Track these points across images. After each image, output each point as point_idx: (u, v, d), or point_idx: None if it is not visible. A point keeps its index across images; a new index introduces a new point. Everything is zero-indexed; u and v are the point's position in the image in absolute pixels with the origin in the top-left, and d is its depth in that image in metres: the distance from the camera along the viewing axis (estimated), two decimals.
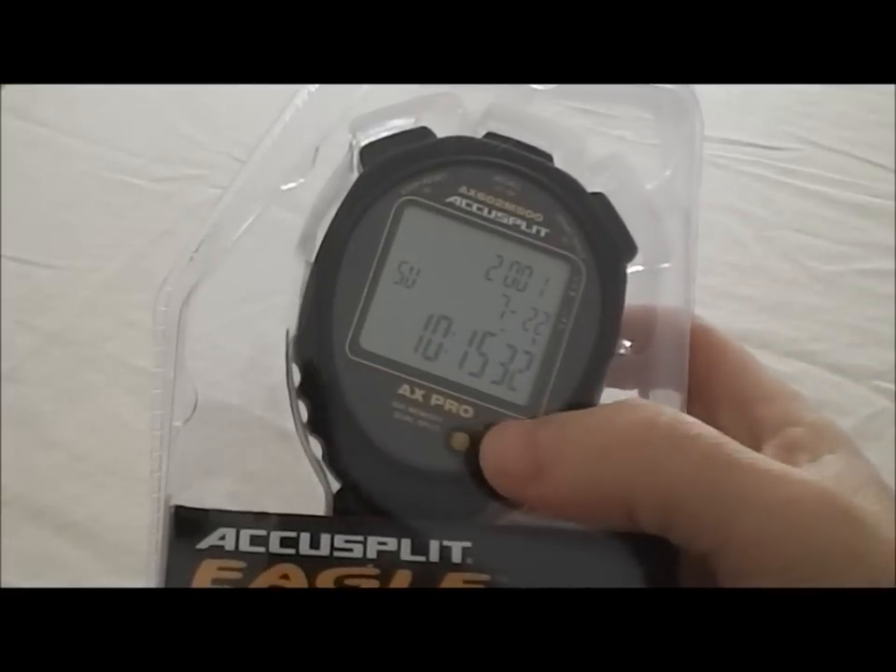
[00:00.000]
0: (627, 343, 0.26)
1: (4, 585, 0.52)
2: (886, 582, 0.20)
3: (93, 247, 0.73)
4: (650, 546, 0.23)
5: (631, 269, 0.26)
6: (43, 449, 0.60)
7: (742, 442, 0.24)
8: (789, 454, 0.24)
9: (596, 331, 0.25)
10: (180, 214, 0.74)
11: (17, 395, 0.63)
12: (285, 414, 0.25)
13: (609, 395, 0.26)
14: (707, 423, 0.25)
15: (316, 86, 0.25)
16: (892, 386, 0.67)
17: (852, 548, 0.21)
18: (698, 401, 0.26)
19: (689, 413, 0.25)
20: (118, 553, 0.55)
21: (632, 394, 0.27)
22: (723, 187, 0.80)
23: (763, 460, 0.22)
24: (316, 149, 0.26)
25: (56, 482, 0.59)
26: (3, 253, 0.71)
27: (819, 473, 0.22)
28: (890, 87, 0.89)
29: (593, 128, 0.27)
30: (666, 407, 0.23)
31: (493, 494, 0.24)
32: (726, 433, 0.24)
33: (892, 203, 0.81)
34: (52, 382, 0.64)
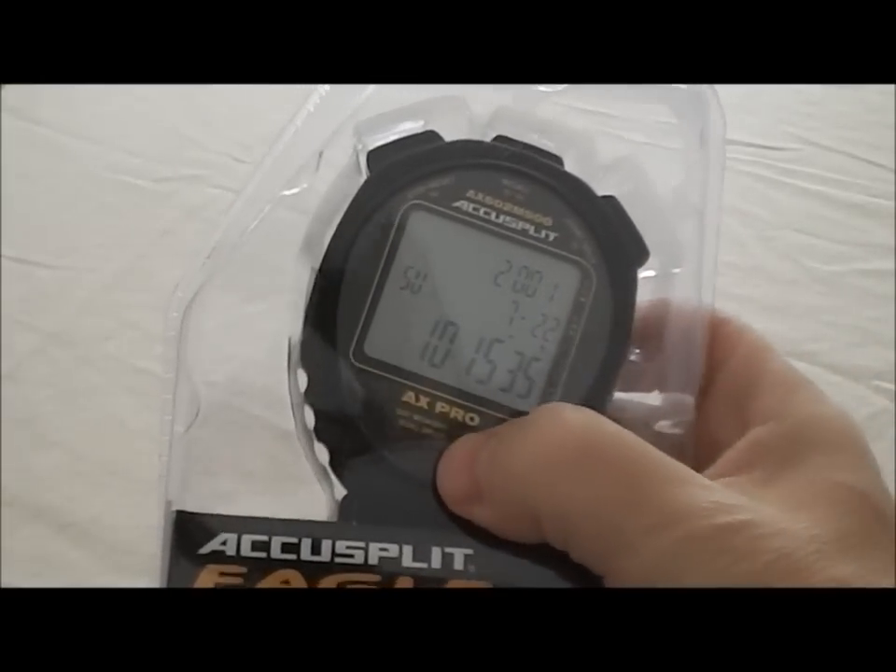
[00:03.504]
0: (637, 350, 0.26)
1: (4, 585, 0.52)
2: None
3: (93, 247, 0.73)
4: None
5: (643, 274, 0.25)
6: (43, 449, 0.60)
7: (727, 436, 0.24)
8: (747, 461, 0.23)
9: (607, 338, 0.25)
10: (180, 214, 0.74)
11: (17, 395, 0.63)
12: (284, 414, 0.25)
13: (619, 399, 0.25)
14: (701, 416, 0.24)
15: (328, 87, 0.25)
16: (892, 386, 0.67)
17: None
18: (701, 395, 0.25)
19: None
20: (117, 552, 0.55)
21: (639, 396, 0.26)
22: (724, 187, 0.80)
23: (659, 470, 0.21)
24: (321, 154, 0.25)
25: (56, 482, 0.59)
26: (3, 253, 0.71)
27: (753, 502, 0.21)
28: (890, 87, 0.89)
29: (603, 130, 0.27)
30: (592, 418, 0.22)
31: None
32: (715, 427, 0.24)
33: (892, 203, 0.81)
34: (52, 382, 0.64)
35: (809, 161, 0.84)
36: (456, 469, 0.24)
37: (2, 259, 0.71)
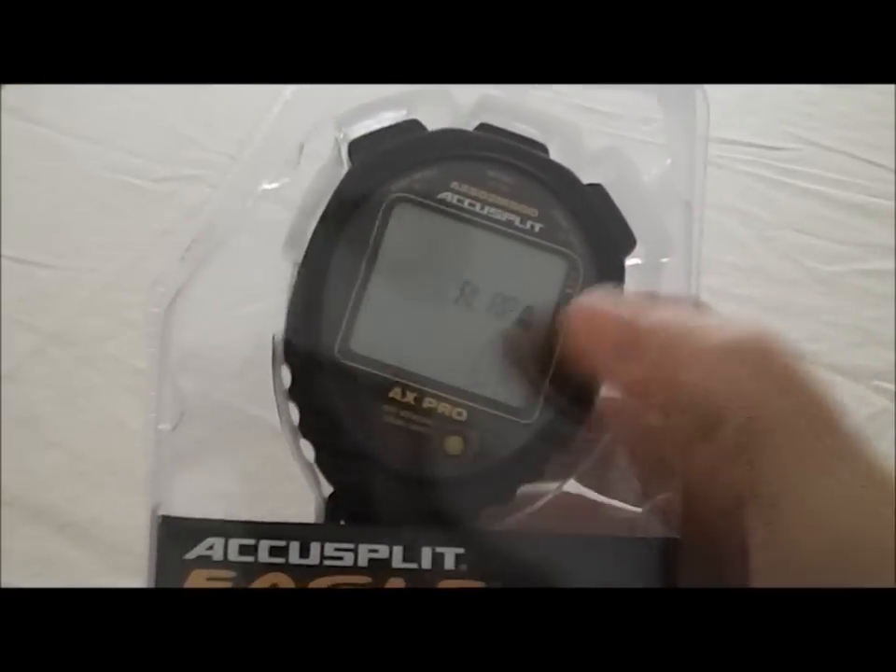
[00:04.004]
0: None
1: (4, 585, 0.52)
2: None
3: (93, 247, 0.73)
4: (648, 551, 0.23)
5: (630, 262, 0.25)
6: (43, 449, 0.60)
7: None
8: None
9: None
10: (180, 214, 0.74)
11: (17, 395, 0.63)
12: (274, 413, 0.25)
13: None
14: None
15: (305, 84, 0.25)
16: (892, 386, 0.67)
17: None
18: None
19: None
20: (117, 552, 0.55)
21: None
22: (723, 187, 0.80)
23: (859, 436, 0.21)
24: (302, 146, 0.25)
25: (56, 482, 0.59)
26: (3, 253, 0.71)
27: None
28: (890, 87, 0.89)
29: (591, 126, 0.27)
30: (781, 344, 0.21)
31: (486, 498, 0.24)
32: None
33: (892, 203, 0.81)
34: (52, 382, 0.64)
35: (809, 161, 0.84)
36: (610, 313, 0.22)
37: (2, 259, 0.71)
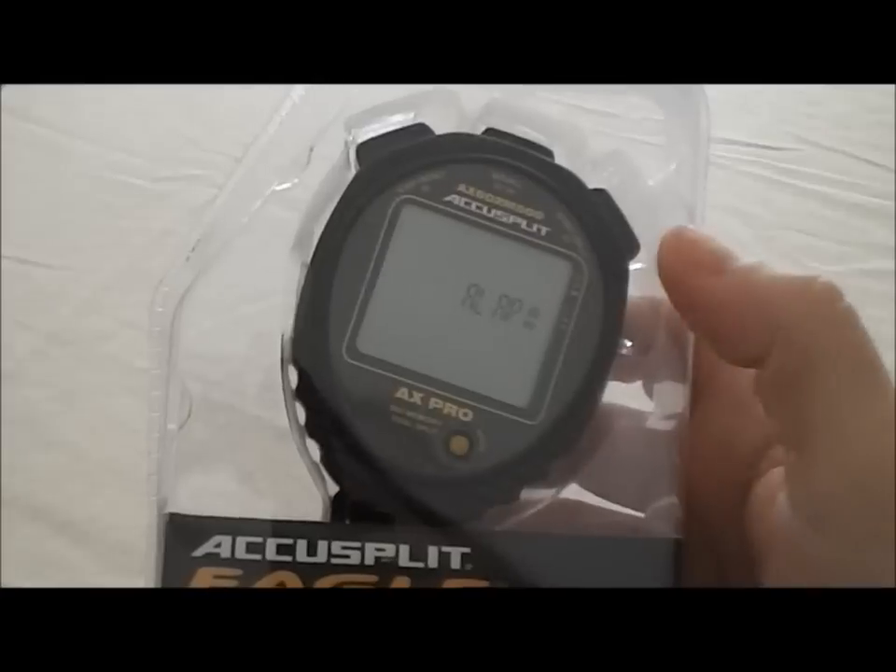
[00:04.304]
0: (629, 343, 0.26)
1: (4, 585, 0.52)
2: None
3: (93, 247, 0.73)
4: (652, 552, 0.23)
5: (634, 266, 0.25)
6: (43, 449, 0.60)
7: (750, 449, 0.24)
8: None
9: (599, 331, 0.25)
10: (180, 214, 0.74)
11: (17, 395, 0.63)
12: (283, 414, 0.25)
13: (611, 388, 0.25)
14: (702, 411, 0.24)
15: (311, 85, 0.25)
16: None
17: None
18: (704, 397, 0.25)
19: (694, 410, 0.25)
20: (117, 552, 0.55)
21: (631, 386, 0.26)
22: (723, 187, 0.80)
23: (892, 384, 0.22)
24: (311, 149, 0.25)
25: (56, 482, 0.59)
26: (3, 253, 0.71)
27: None
28: (890, 87, 0.89)
29: (595, 128, 0.27)
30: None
31: (491, 498, 0.24)
32: (734, 435, 0.24)
33: (892, 203, 0.81)
34: (52, 382, 0.64)
35: (809, 161, 0.84)
36: (705, 241, 0.24)
37: (2, 259, 0.71)
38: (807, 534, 0.21)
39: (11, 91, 0.83)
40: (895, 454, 0.20)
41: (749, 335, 0.23)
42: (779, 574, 0.22)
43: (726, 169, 0.82)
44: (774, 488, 0.23)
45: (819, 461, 0.21)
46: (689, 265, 0.24)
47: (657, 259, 0.24)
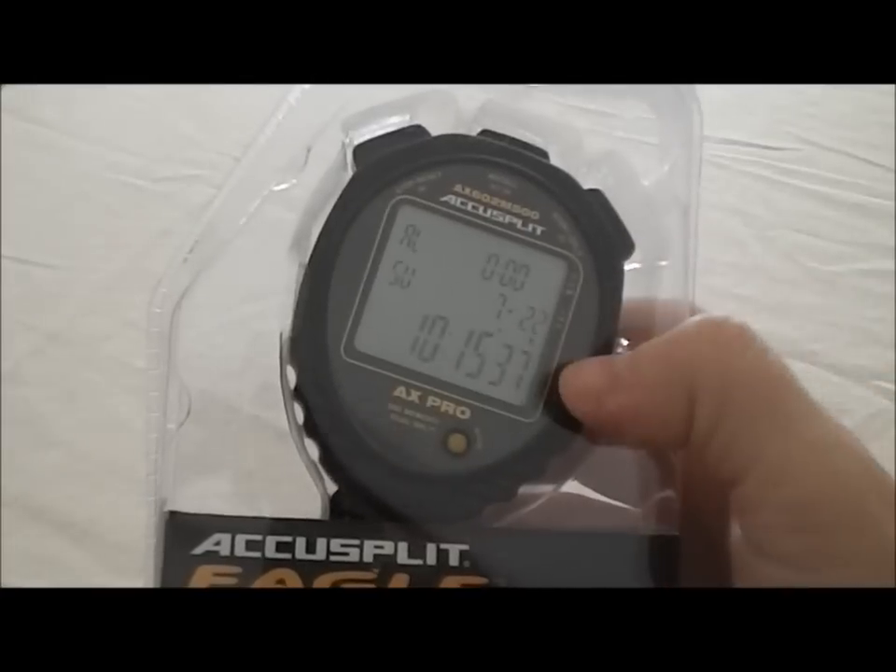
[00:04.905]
0: (625, 342, 0.26)
1: (4, 585, 0.52)
2: (888, 562, 0.20)
3: (93, 247, 0.73)
4: (649, 548, 0.23)
5: (628, 266, 0.25)
6: (43, 449, 0.61)
7: None
8: None
9: (594, 330, 0.25)
10: (180, 214, 0.74)
11: (17, 395, 0.63)
12: (281, 414, 0.25)
13: None
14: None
15: (309, 85, 0.25)
16: (892, 386, 0.67)
17: (869, 512, 0.21)
18: None
19: None
20: (117, 552, 0.55)
21: None
22: (723, 187, 0.80)
23: (818, 403, 0.22)
24: (308, 149, 0.25)
25: (56, 482, 0.59)
26: (3, 253, 0.71)
27: None
28: (890, 87, 0.89)
29: (590, 127, 0.27)
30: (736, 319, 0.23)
31: (489, 496, 0.24)
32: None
33: (892, 202, 0.81)
34: (52, 382, 0.64)
35: (809, 161, 0.84)
36: (592, 369, 0.24)
37: (2, 259, 0.71)
38: (754, 561, 0.22)
39: (11, 91, 0.83)
40: (821, 476, 0.21)
41: (670, 419, 0.23)
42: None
43: (726, 169, 0.82)
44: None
45: (752, 498, 0.22)
46: (587, 400, 0.24)
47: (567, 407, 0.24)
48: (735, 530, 0.22)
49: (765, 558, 0.22)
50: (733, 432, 0.22)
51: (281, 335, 0.25)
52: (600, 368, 0.24)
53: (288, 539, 0.23)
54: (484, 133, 0.25)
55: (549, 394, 0.25)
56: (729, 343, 0.22)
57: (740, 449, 0.22)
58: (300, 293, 0.25)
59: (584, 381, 0.24)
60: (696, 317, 0.23)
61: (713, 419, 0.22)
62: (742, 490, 0.22)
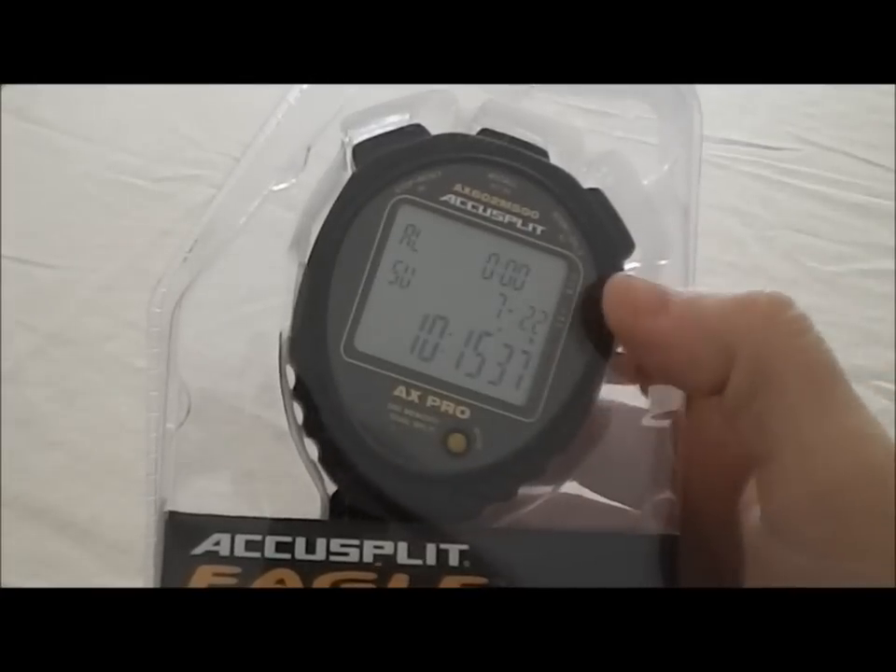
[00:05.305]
0: None
1: (4, 585, 0.52)
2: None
3: (93, 247, 0.73)
4: (648, 548, 0.23)
5: (629, 266, 0.25)
6: (43, 449, 0.60)
7: (743, 453, 0.24)
8: None
9: (595, 330, 0.25)
10: (180, 214, 0.74)
11: (17, 395, 0.63)
12: (281, 414, 0.25)
13: (607, 391, 0.25)
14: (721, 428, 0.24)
15: (309, 85, 0.25)
16: (892, 386, 0.67)
17: (892, 510, 0.21)
18: (698, 399, 0.25)
19: (688, 411, 0.25)
20: (117, 552, 0.55)
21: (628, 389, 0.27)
22: (723, 187, 0.80)
23: (858, 398, 0.22)
24: (308, 149, 0.25)
25: (56, 482, 0.59)
26: (3, 253, 0.71)
27: None
28: (890, 87, 0.89)
29: (590, 127, 0.27)
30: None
31: (489, 496, 0.24)
32: (727, 438, 0.24)
33: (892, 202, 0.81)
34: (52, 382, 0.64)
35: (809, 161, 0.84)
36: (644, 286, 0.24)
37: (2, 259, 0.71)
38: (772, 544, 0.22)
39: (11, 90, 0.83)
40: (854, 462, 0.21)
41: (703, 365, 0.23)
42: (751, 582, 0.23)
43: (726, 169, 0.82)
44: (752, 497, 0.23)
45: (781, 475, 0.22)
46: (630, 310, 0.24)
47: (604, 311, 0.24)
48: (753, 515, 0.22)
49: (783, 543, 0.21)
50: (771, 406, 0.22)
51: (281, 335, 0.25)
52: (654, 287, 0.24)
53: (288, 539, 0.23)
54: (484, 132, 0.25)
55: (549, 394, 0.25)
56: (788, 324, 0.22)
57: (776, 423, 0.22)
58: (299, 293, 0.25)
59: (633, 292, 0.24)
60: (767, 291, 0.23)
61: (753, 386, 0.22)
62: (771, 467, 0.22)
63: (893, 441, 0.22)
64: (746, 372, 0.22)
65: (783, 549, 0.21)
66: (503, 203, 0.25)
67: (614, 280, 0.24)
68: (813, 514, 0.21)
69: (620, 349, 0.25)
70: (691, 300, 0.23)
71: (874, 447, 0.21)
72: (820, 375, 0.22)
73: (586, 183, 0.25)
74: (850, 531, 0.21)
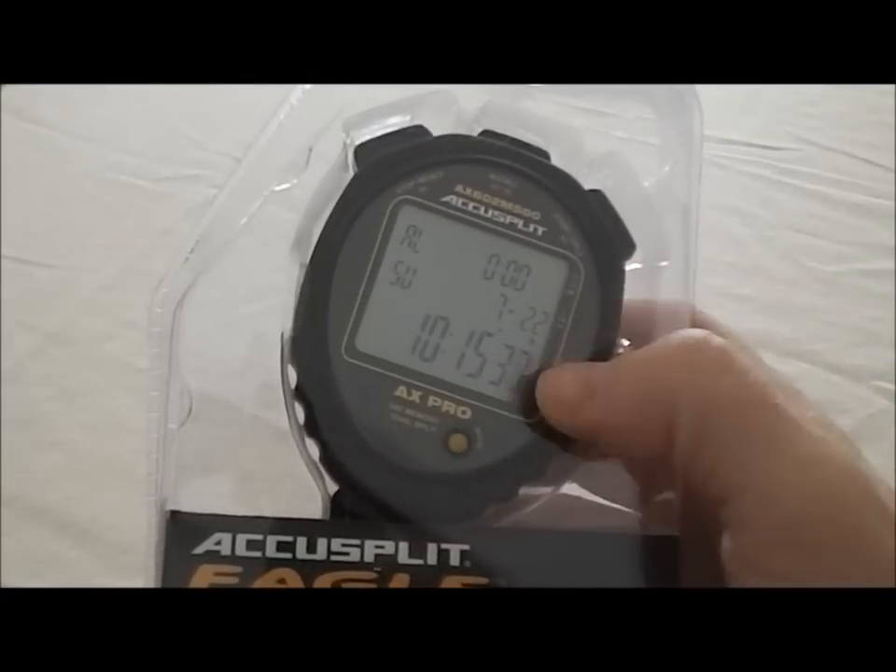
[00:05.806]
0: (626, 342, 0.26)
1: (4, 585, 0.52)
2: (885, 575, 0.20)
3: (93, 247, 0.73)
4: (648, 548, 0.23)
5: (629, 266, 0.26)
6: (43, 449, 0.60)
7: None
8: None
9: (595, 330, 0.25)
10: (180, 214, 0.74)
11: (17, 395, 0.63)
12: (282, 414, 0.25)
13: None
14: None
15: (310, 85, 0.25)
16: (892, 386, 0.67)
17: (861, 526, 0.21)
18: None
19: None
20: (117, 552, 0.55)
21: None
22: (723, 187, 0.80)
23: (804, 418, 0.22)
24: (310, 150, 0.25)
25: (56, 482, 0.59)
26: (3, 253, 0.71)
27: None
28: (890, 87, 0.89)
29: (590, 127, 0.27)
30: (718, 337, 0.23)
31: (489, 496, 0.24)
32: None
33: (892, 203, 0.81)
34: (52, 382, 0.64)
35: (809, 161, 0.84)
36: (569, 377, 0.24)
37: (2, 259, 0.71)
38: (744, 575, 0.22)
39: (11, 90, 0.83)
40: (809, 492, 0.21)
41: (642, 438, 0.23)
42: None
43: (726, 169, 0.82)
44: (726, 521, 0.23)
45: (742, 516, 0.22)
46: (561, 409, 0.24)
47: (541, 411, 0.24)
48: (726, 543, 0.22)
49: (757, 574, 0.21)
50: (716, 456, 0.22)
51: (282, 335, 0.25)
52: (576, 378, 0.24)
53: (289, 538, 0.23)
54: (485, 133, 0.26)
55: None
56: (708, 367, 0.22)
57: (726, 472, 0.22)
58: (301, 293, 0.25)
59: (559, 390, 0.24)
60: (678, 336, 0.23)
61: (694, 441, 0.22)
62: (731, 509, 0.22)
63: (847, 458, 0.22)
64: (684, 432, 0.22)
65: (758, 580, 0.21)
66: (504, 204, 0.25)
67: (544, 378, 0.24)
68: (782, 549, 0.21)
69: (620, 350, 0.25)
70: (610, 375, 0.23)
71: (826, 472, 0.21)
72: (755, 413, 0.22)
73: (587, 184, 0.26)
74: (823, 560, 0.21)
